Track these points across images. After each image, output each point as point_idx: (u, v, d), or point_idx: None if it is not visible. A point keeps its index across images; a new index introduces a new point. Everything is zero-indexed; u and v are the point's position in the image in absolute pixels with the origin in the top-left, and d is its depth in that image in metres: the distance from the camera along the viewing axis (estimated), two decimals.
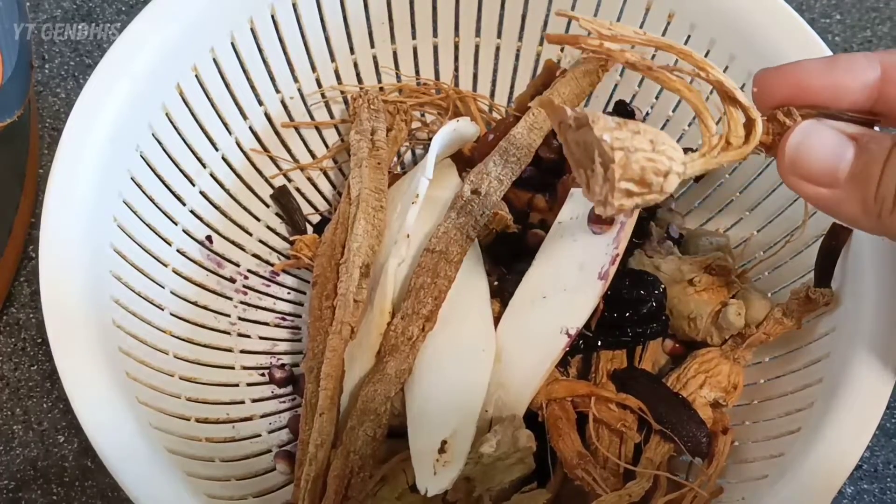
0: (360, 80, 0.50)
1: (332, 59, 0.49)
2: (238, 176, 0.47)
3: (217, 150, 0.46)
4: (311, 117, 0.50)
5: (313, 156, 0.50)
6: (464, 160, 0.46)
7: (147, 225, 0.42)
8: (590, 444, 0.39)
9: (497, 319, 0.41)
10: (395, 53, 0.50)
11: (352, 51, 0.49)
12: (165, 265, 0.43)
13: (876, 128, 0.30)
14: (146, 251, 0.42)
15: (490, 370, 0.39)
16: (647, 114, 0.48)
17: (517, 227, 0.44)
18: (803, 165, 0.28)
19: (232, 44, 0.44)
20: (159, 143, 0.42)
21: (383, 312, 0.40)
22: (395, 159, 0.51)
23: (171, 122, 0.43)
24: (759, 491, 0.35)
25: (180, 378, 0.41)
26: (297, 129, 0.49)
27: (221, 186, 0.46)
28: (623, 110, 0.48)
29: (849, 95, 0.29)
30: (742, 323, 0.40)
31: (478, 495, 0.37)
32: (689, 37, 0.44)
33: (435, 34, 0.50)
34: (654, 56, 0.31)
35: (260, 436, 0.43)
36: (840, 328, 0.38)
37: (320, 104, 0.50)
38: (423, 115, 0.51)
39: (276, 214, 0.49)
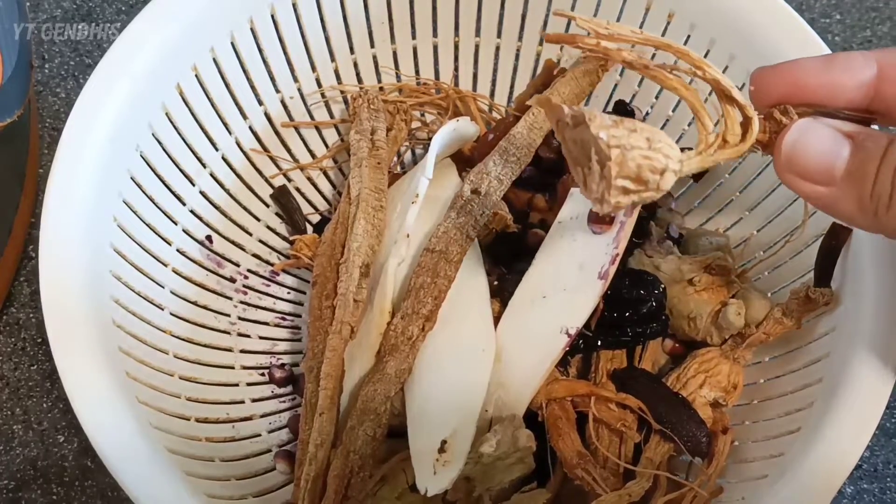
0: (360, 80, 0.50)
1: (332, 59, 0.49)
2: (238, 176, 0.47)
3: (217, 149, 0.46)
4: (311, 117, 0.50)
5: (313, 156, 0.50)
6: (464, 160, 0.46)
7: (147, 225, 0.42)
8: (590, 443, 0.39)
9: (497, 319, 0.41)
10: (395, 53, 0.50)
11: (352, 50, 0.49)
12: (165, 265, 0.43)
13: (876, 126, 0.30)
14: (146, 251, 0.42)
15: (490, 370, 0.39)
16: (647, 113, 0.48)
17: (517, 227, 0.44)
18: (800, 163, 0.28)
19: (232, 44, 0.44)
20: (159, 142, 0.42)
21: (383, 312, 0.40)
22: (395, 159, 0.51)
23: (171, 122, 0.43)
24: (759, 491, 0.35)
25: (180, 378, 0.41)
26: (296, 128, 0.49)
27: (221, 186, 0.46)
28: (623, 110, 0.48)
29: (845, 94, 0.29)
30: (742, 323, 0.40)
31: (478, 495, 0.37)
32: (688, 37, 0.44)
33: (435, 34, 0.50)
34: (654, 56, 0.31)
35: (260, 435, 0.43)
36: (840, 328, 0.38)
37: (320, 104, 0.50)
38: (423, 115, 0.51)
39: (276, 214, 0.49)
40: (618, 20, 0.46)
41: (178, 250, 0.44)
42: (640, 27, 0.46)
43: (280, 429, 0.44)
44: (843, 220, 0.29)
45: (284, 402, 0.45)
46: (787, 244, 0.42)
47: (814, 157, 0.28)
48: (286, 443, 0.44)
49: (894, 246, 0.36)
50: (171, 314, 0.42)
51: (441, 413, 0.38)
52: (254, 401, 0.44)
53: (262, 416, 0.44)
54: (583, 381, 0.40)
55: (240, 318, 0.46)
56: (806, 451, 0.34)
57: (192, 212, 0.45)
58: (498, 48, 0.51)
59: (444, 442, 0.36)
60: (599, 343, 0.40)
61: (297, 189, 0.50)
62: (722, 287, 0.41)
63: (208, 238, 0.46)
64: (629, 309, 0.39)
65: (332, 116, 0.50)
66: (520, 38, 0.50)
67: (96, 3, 0.58)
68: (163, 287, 0.42)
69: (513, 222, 0.43)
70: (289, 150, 0.49)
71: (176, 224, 0.44)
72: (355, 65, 0.50)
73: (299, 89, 0.48)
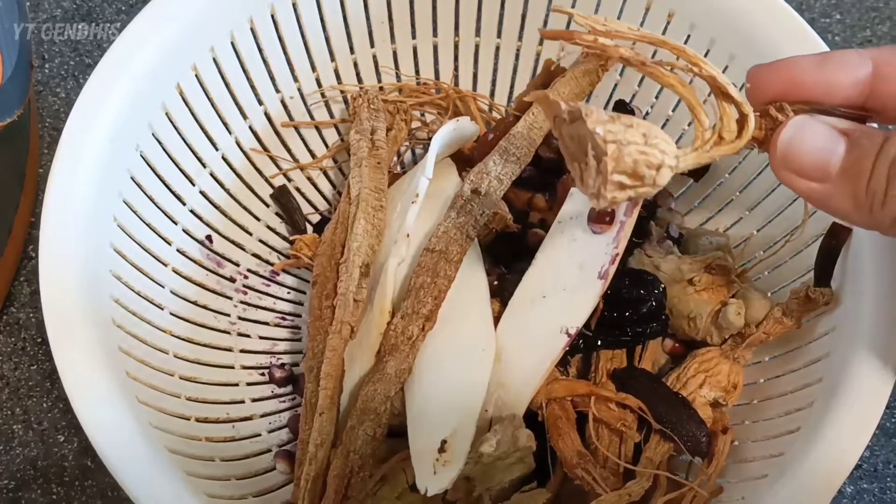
0: (359, 80, 0.50)
1: (332, 59, 0.49)
2: (238, 175, 0.47)
3: (217, 149, 0.46)
4: (311, 117, 0.50)
5: (313, 155, 0.50)
6: (464, 159, 0.46)
7: (147, 224, 0.42)
8: (590, 443, 0.39)
9: (497, 319, 0.41)
10: (394, 53, 0.50)
11: (352, 50, 0.49)
12: (165, 265, 0.43)
13: (875, 125, 0.30)
14: (146, 251, 0.42)
15: (490, 370, 0.39)
16: (647, 113, 0.48)
17: (517, 227, 0.44)
18: (795, 160, 0.28)
19: (232, 43, 0.44)
20: (159, 142, 0.42)
21: (383, 312, 0.40)
22: (395, 159, 0.51)
23: (171, 122, 0.43)
24: (759, 490, 0.35)
25: (180, 377, 0.41)
26: (296, 128, 0.49)
27: (221, 186, 0.46)
28: (623, 109, 0.48)
29: (841, 91, 0.29)
30: (742, 322, 0.40)
31: (478, 495, 0.37)
32: (688, 36, 0.44)
33: (435, 34, 0.50)
34: (654, 54, 0.31)
35: (260, 435, 0.43)
36: (840, 327, 0.38)
37: (320, 104, 0.50)
38: (422, 115, 0.51)
39: (276, 214, 0.49)
40: (618, 20, 0.46)
41: (178, 250, 0.44)
42: (640, 27, 0.45)
43: (280, 428, 0.44)
44: (839, 217, 0.29)
45: (284, 401, 0.45)
46: (787, 244, 0.42)
47: (809, 154, 0.28)
48: (286, 442, 0.44)
49: (894, 245, 0.36)
50: (171, 314, 0.42)
51: (441, 413, 0.38)
52: (254, 400, 0.45)
53: (262, 416, 0.44)
54: (583, 381, 0.40)
55: (240, 318, 0.46)
56: (806, 450, 0.34)
57: (192, 211, 0.45)
58: (498, 48, 0.51)
59: (444, 442, 0.36)
60: (599, 343, 0.40)
61: (297, 189, 0.50)
62: (722, 287, 0.41)
63: (208, 238, 0.46)
64: (629, 309, 0.39)
65: (332, 116, 0.50)
66: (520, 38, 0.50)
67: (96, 3, 0.58)
68: (163, 287, 0.42)
69: (513, 222, 0.43)
70: (289, 150, 0.49)
71: (176, 224, 0.44)
72: (355, 65, 0.50)
73: (299, 89, 0.48)
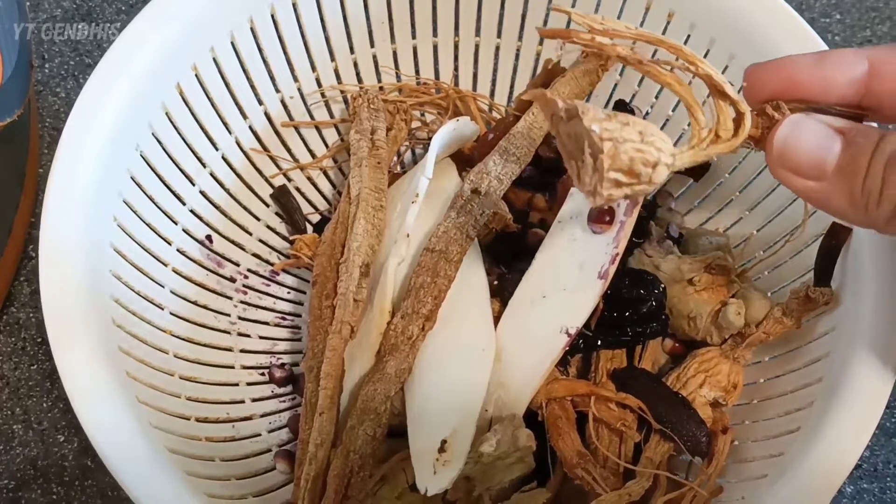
0: (359, 80, 0.50)
1: (332, 59, 0.49)
2: (238, 175, 0.47)
3: (217, 149, 0.46)
4: (311, 117, 0.50)
5: (313, 155, 0.50)
6: (464, 159, 0.46)
7: (147, 224, 0.42)
8: (589, 443, 0.39)
9: (497, 319, 0.41)
10: (394, 53, 0.50)
11: (352, 50, 0.49)
12: (165, 264, 0.43)
13: (875, 125, 0.30)
14: (146, 250, 0.42)
15: (490, 369, 0.39)
16: (647, 113, 0.48)
17: (517, 227, 0.44)
18: (791, 158, 0.29)
19: (232, 43, 0.44)
20: (159, 142, 0.42)
21: (383, 312, 0.40)
22: (395, 159, 0.51)
23: (171, 122, 0.43)
24: (759, 490, 0.35)
25: (180, 377, 0.41)
26: (296, 128, 0.49)
27: (221, 186, 0.46)
28: (623, 109, 0.48)
29: (837, 90, 0.29)
30: (742, 322, 0.40)
31: (478, 494, 0.37)
32: (688, 36, 0.44)
33: (435, 34, 0.50)
34: (654, 54, 0.31)
35: (260, 435, 0.43)
36: (840, 327, 0.38)
37: (320, 104, 0.50)
38: (422, 115, 0.51)
39: (276, 214, 0.49)
40: (618, 19, 0.46)
41: (178, 250, 0.44)
42: (640, 27, 0.46)
43: (280, 428, 0.44)
44: (835, 215, 0.29)
45: (284, 401, 0.45)
46: (787, 244, 0.42)
47: (805, 152, 0.28)
48: (286, 442, 0.44)
49: (894, 245, 0.36)
50: (171, 314, 0.42)
51: (441, 413, 0.38)
52: (254, 400, 0.45)
53: (262, 416, 0.44)
54: (583, 381, 0.40)
55: (240, 318, 0.46)
56: (806, 450, 0.34)
57: (192, 211, 0.45)
58: (498, 48, 0.51)
59: (444, 441, 0.36)
60: (599, 343, 0.40)
61: (297, 189, 0.50)
62: (722, 287, 0.41)
63: (208, 238, 0.46)
64: (629, 308, 0.39)
65: (332, 116, 0.50)
66: (520, 38, 0.50)
67: (96, 3, 0.58)
68: (163, 287, 0.42)
69: (513, 222, 0.43)
70: (289, 150, 0.49)
71: (176, 224, 0.44)
72: (355, 64, 0.50)
73: (299, 89, 0.48)
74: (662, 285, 0.40)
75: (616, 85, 0.49)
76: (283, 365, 0.46)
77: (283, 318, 0.48)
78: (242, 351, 0.46)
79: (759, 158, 0.44)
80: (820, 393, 0.36)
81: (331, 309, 0.41)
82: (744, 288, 0.42)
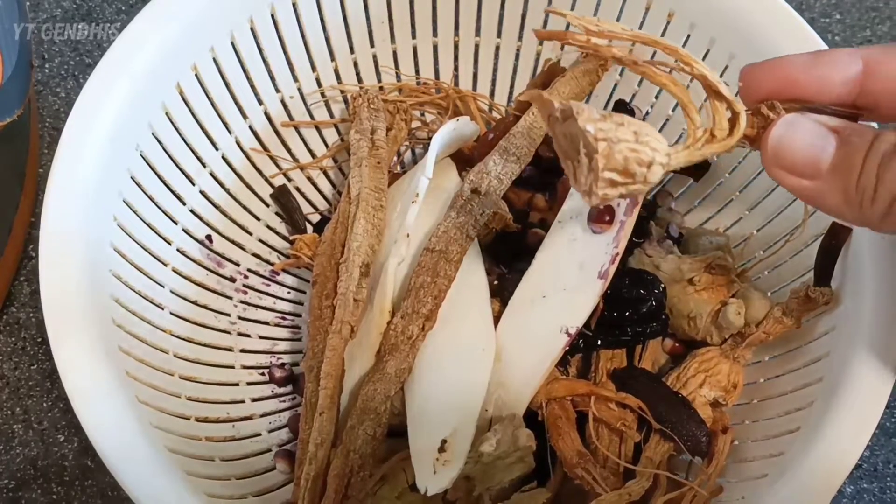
0: (359, 80, 0.50)
1: (332, 59, 0.49)
2: (238, 175, 0.47)
3: (217, 149, 0.46)
4: (311, 117, 0.50)
5: (313, 155, 0.50)
6: (464, 159, 0.46)
7: (147, 224, 0.42)
8: (590, 443, 0.39)
9: (497, 319, 0.41)
10: (394, 53, 0.50)
11: (352, 50, 0.49)
12: (165, 264, 0.43)
13: (875, 124, 0.31)
14: (146, 250, 0.42)
15: (490, 369, 0.39)
16: (647, 113, 0.48)
17: (517, 227, 0.44)
18: (786, 157, 0.29)
19: (232, 43, 0.44)
20: (159, 142, 0.42)
21: (383, 311, 0.40)
22: (395, 159, 0.51)
23: (171, 122, 0.43)
24: (759, 490, 0.35)
25: (180, 377, 0.41)
26: (296, 128, 0.49)
27: (221, 186, 0.46)
28: (623, 109, 0.48)
29: (832, 89, 0.30)
30: (742, 322, 0.40)
31: (478, 494, 0.37)
32: (688, 36, 0.44)
33: (435, 34, 0.50)
34: (654, 55, 0.32)
35: (260, 435, 0.43)
36: (840, 327, 0.38)
37: (320, 103, 0.50)
38: (422, 115, 0.51)
39: (276, 214, 0.49)
40: (618, 20, 0.46)
41: (178, 250, 0.44)
42: (640, 27, 0.46)
43: (280, 428, 0.44)
44: (830, 213, 0.29)
45: (284, 401, 0.45)
46: (787, 243, 0.42)
47: (800, 151, 0.29)
48: (286, 442, 0.44)
49: (894, 245, 0.36)
50: (171, 313, 0.42)
51: (441, 412, 0.38)
52: (254, 400, 0.45)
53: (262, 416, 0.44)
54: (583, 381, 0.40)
55: (240, 318, 0.46)
56: (806, 450, 0.34)
57: (192, 211, 0.45)
58: (498, 48, 0.51)
59: (444, 441, 0.36)
60: (599, 342, 0.40)
61: (297, 188, 0.50)
62: (722, 286, 0.41)
63: (208, 237, 0.46)
64: (629, 308, 0.39)
65: (332, 116, 0.50)
66: (520, 38, 0.50)
67: (96, 3, 0.58)
68: (163, 286, 0.42)
69: (513, 222, 0.43)
70: (289, 150, 0.49)
71: (176, 223, 0.44)
72: (355, 64, 0.50)
73: (299, 89, 0.48)
74: (662, 285, 0.40)
75: (616, 85, 0.49)
76: (283, 365, 0.46)
77: (283, 318, 0.48)
78: (242, 351, 0.46)
79: (759, 158, 0.44)
80: (820, 393, 0.36)
81: (331, 309, 0.41)
82: (744, 288, 0.42)
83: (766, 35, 0.42)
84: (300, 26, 0.47)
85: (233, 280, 0.47)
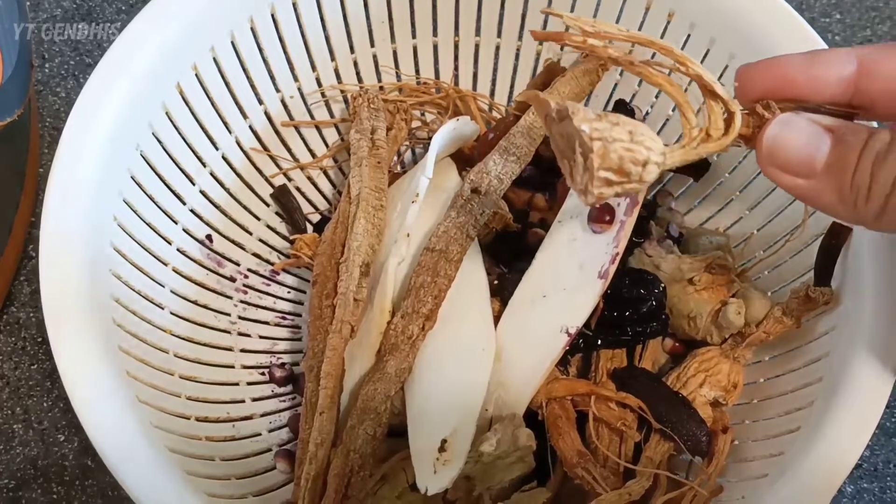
0: (360, 80, 0.50)
1: (332, 59, 0.49)
2: (238, 175, 0.47)
3: (217, 149, 0.46)
4: (311, 116, 0.50)
5: (313, 155, 0.50)
6: (464, 159, 0.47)
7: (147, 224, 0.42)
8: (590, 442, 0.39)
9: (497, 318, 0.41)
10: (395, 53, 0.50)
11: (352, 50, 0.49)
12: (165, 264, 0.43)
13: (874, 124, 0.31)
14: (146, 250, 0.42)
15: (490, 369, 0.39)
16: (647, 113, 0.48)
17: (517, 226, 0.44)
18: (781, 156, 0.29)
19: (232, 43, 0.44)
20: (159, 142, 0.42)
21: (383, 311, 0.40)
22: (396, 158, 0.51)
23: (172, 122, 0.43)
24: (759, 490, 0.35)
25: (180, 377, 0.41)
26: (297, 128, 0.49)
27: (221, 185, 0.46)
28: (623, 109, 0.48)
29: (828, 89, 0.30)
30: (742, 322, 0.40)
31: (478, 494, 0.37)
32: (688, 36, 0.44)
33: (435, 33, 0.50)
34: (654, 55, 0.32)
35: (260, 434, 0.43)
36: (840, 327, 0.38)
37: (320, 103, 0.50)
38: (423, 115, 0.51)
39: (277, 213, 0.49)
40: (618, 20, 0.46)
41: (178, 249, 0.44)
42: (640, 27, 0.46)
43: (280, 428, 0.44)
44: (825, 212, 0.30)
45: (284, 401, 0.45)
46: (788, 243, 0.42)
47: (795, 150, 0.29)
48: (286, 442, 0.44)
49: (894, 245, 0.36)
50: (172, 313, 0.42)
51: (441, 412, 0.38)
52: (254, 400, 0.45)
53: (262, 416, 0.44)
54: (583, 381, 0.40)
55: (240, 318, 0.46)
56: (806, 450, 0.34)
57: (192, 211, 0.45)
58: (498, 48, 0.51)
59: (444, 441, 0.36)
60: (599, 342, 0.40)
61: (298, 188, 0.50)
62: (722, 286, 0.41)
63: (208, 237, 0.46)
64: (629, 308, 0.39)
65: (332, 116, 0.50)
66: (520, 38, 0.50)
67: (96, 3, 0.58)
68: (163, 286, 0.42)
69: (513, 221, 0.43)
70: (289, 150, 0.49)
71: (176, 223, 0.44)
72: (355, 64, 0.50)
73: (299, 89, 0.48)
74: (662, 285, 0.40)
75: (616, 85, 0.49)
76: (283, 364, 0.46)
77: (284, 318, 0.48)
78: (242, 350, 0.46)
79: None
80: (820, 392, 0.36)
81: (331, 308, 0.41)
82: (744, 287, 0.42)
83: (766, 35, 0.42)
84: (300, 26, 0.47)
85: (233, 280, 0.47)
